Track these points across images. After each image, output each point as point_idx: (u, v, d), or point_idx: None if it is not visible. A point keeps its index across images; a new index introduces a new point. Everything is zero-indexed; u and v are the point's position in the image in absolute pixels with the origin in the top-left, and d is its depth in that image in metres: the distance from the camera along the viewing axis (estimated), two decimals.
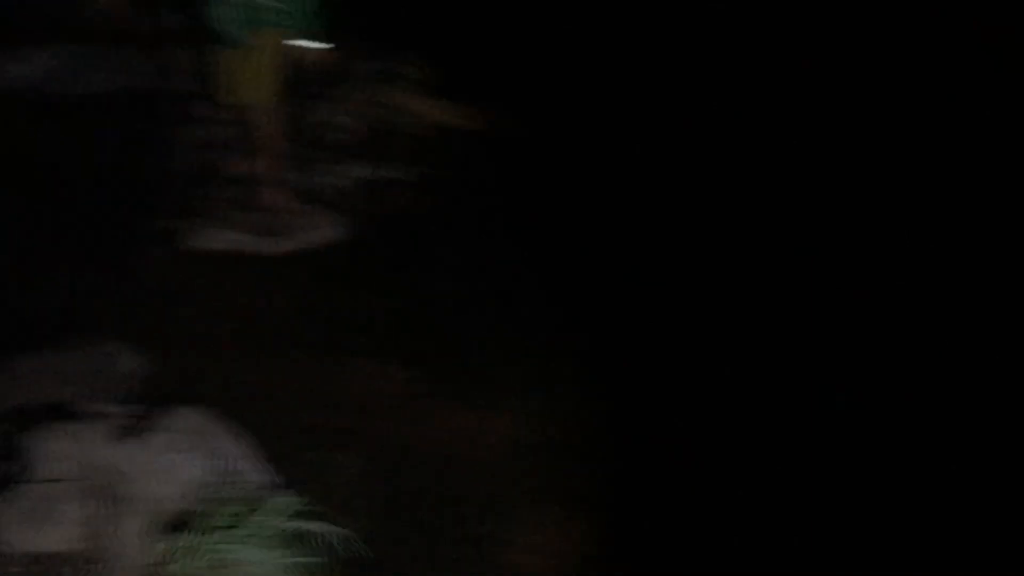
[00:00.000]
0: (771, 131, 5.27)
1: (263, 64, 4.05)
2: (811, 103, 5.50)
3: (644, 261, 4.28)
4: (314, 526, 2.48)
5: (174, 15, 5.52)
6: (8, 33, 5.71)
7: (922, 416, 3.33)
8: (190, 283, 3.90)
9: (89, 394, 2.90)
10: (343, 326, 3.69)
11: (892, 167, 4.94)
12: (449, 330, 3.76)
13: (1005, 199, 4.54)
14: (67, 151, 4.91)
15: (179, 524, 2.37)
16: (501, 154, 5.18)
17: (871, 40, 5.98)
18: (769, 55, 5.97)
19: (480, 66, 5.84)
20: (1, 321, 3.39)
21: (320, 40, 4.14)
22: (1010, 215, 4.41)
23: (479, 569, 2.73)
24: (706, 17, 6.39)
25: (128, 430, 2.61)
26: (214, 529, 2.33)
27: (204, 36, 4.08)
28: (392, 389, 3.40)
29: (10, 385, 2.93)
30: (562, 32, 6.36)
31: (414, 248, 4.29)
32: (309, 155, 4.78)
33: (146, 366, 3.19)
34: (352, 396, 3.33)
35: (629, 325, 3.89)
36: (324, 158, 4.82)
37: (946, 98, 5.36)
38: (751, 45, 6.13)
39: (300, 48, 4.12)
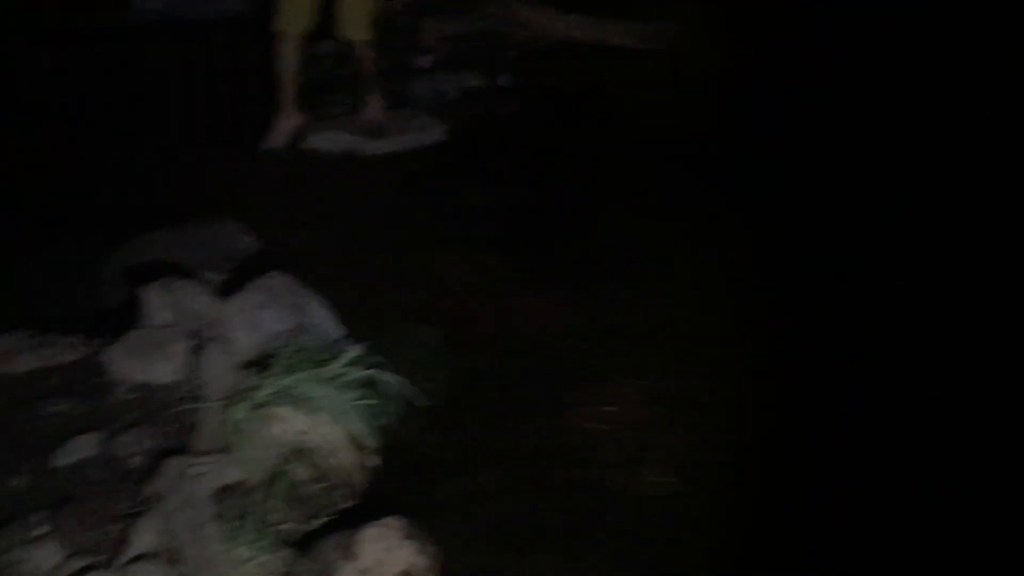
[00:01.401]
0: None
1: None
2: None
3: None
4: (384, 377, 2.76)
5: None
6: None
7: None
8: (304, 178, 4.29)
9: (201, 261, 3.30)
10: (434, 217, 3.97)
11: None
12: (533, 226, 3.95)
13: None
14: (199, 68, 5.38)
15: (263, 365, 2.70)
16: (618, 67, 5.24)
17: None
18: None
19: None
20: (140, 201, 3.88)
21: None
22: None
23: (539, 426, 2.96)
24: None
25: (228, 288, 2.99)
26: (292, 371, 2.64)
27: None
28: (475, 275, 3.64)
29: (139, 248, 3.37)
30: None
31: (510, 152, 4.49)
32: (420, 63, 5.05)
33: (254, 244, 3.56)
34: (436, 278, 3.60)
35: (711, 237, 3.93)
36: (435, 66, 5.06)
37: None
38: None
39: None
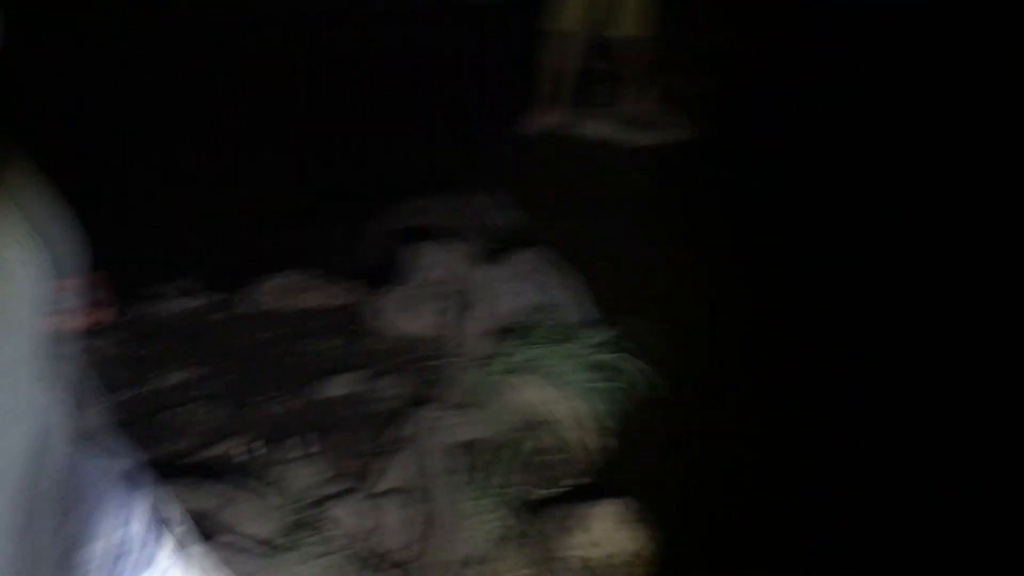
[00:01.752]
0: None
1: None
2: None
3: None
4: (623, 362, 2.80)
5: None
6: None
7: None
8: (566, 163, 4.41)
9: (466, 228, 3.46)
10: (691, 213, 3.95)
11: None
12: (793, 229, 3.84)
13: None
14: (484, 48, 5.62)
15: (516, 333, 2.81)
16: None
17: None
18: None
19: None
20: (422, 173, 4.13)
21: None
22: None
23: (775, 435, 2.87)
24: None
25: (482, 257, 3.13)
26: (543, 343, 2.73)
27: None
28: (730, 274, 3.61)
29: (411, 212, 3.59)
30: None
31: (772, 154, 4.38)
32: (678, 63, 5.04)
33: (515, 219, 3.70)
34: (690, 273, 3.60)
35: None
36: (693, 66, 5.04)
37: None
38: None
39: None
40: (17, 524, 0.43)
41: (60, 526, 0.48)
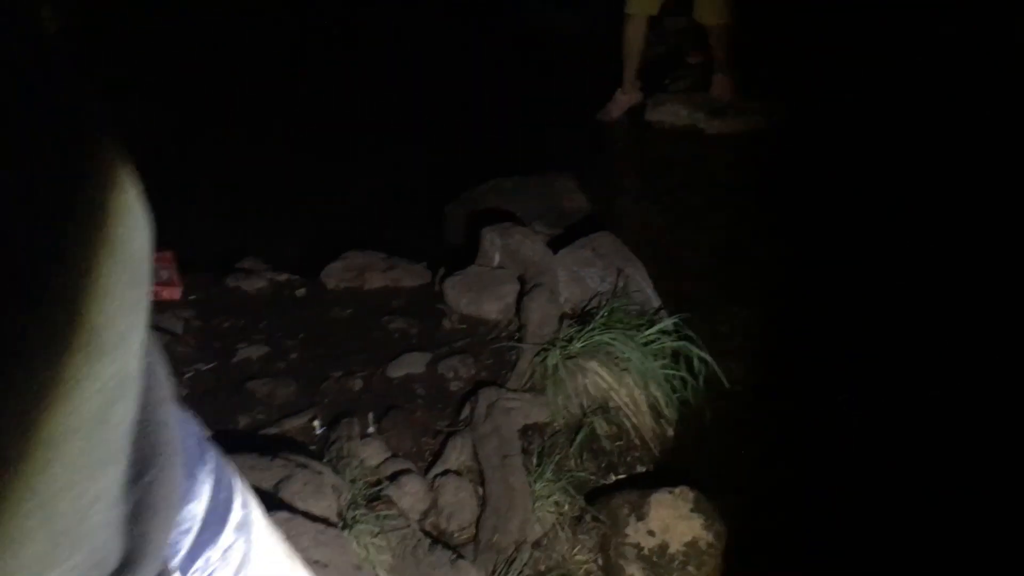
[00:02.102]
0: None
1: None
2: None
3: None
4: (693, 351, 2.77)
5: None
6: None
7: None
8: (641, 149, 4.38)
9: (536, 212, 3.47)
10: (763, 203, 3.87)
11: None
12: (865, 222, 3.73)
13: None
14: (567, 36, 5.60)
15: (581, 318, 2.81)
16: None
17: None
18: None
19: None
20: (499, 157, 4.15)
21: None
22: None
23: (847, 428, 2.81)
24: None
25: (559, 241, 3.13)
26: (608, 329, 2.72)
27: None
28: (797, 266, 3.53)
29: (482, 194, 3.62)
30: None
31: (851, 144, 4.26)
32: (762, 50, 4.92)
33: (586, 203, 3.69)
34: (758, 264, 3.54)
35: None
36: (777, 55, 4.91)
37: None
38: None
39: None
40: (125, 492, 0.45)
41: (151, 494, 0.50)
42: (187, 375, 2.67)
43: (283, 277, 3.19)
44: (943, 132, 4.20)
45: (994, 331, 3.13)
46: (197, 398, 2.56)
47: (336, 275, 3.15)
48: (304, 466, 1.98)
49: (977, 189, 3.85)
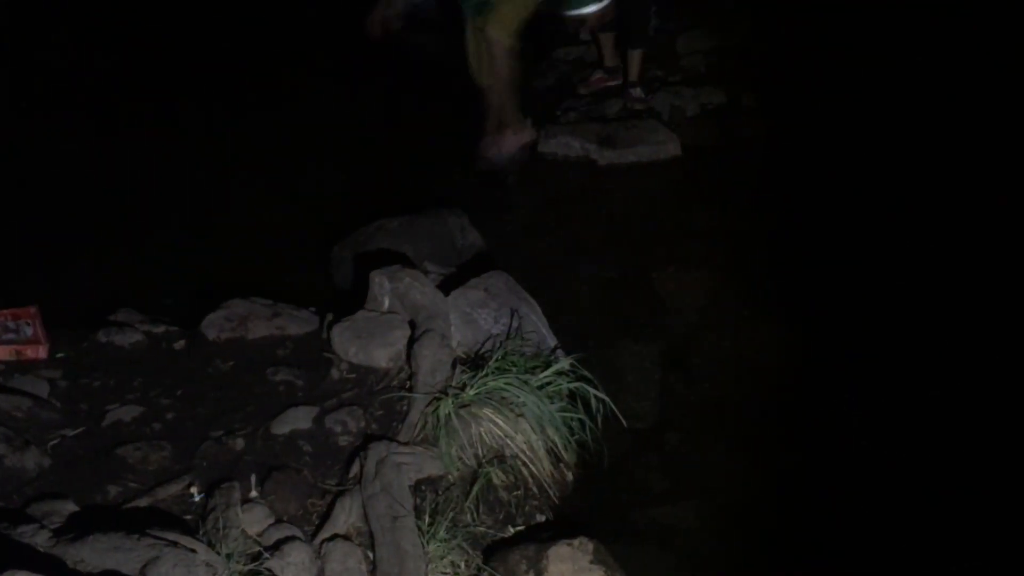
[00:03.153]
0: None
1: None
2: None
3: None
4: (586, 392, 2.70)
5: None
6: None
7: None
8: (536, 181, 4.32)
9: (426, 252, 3.38)
10: (660, 234, 3.86)
11: None
12: (762, 250, 3.76)
13: None
14: (458, 62, 5.55)
15: (475, 362, 2.72)
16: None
17: None
18: None
19: None
20: (386, 194, 4.04)
21: None
22: None
23: (745, 463, 2.80)
24: None
25: (450, 282, 3.04)
26: (502, 373, 2.63)
27: None
28: (697, 297, 3.53)
29: (376, 237, 3.50)
30: None
31: (744, 173, 4.31)
32: (662, 79, 4.96)
33: (478, 240, 3.62)
34: (657, 296, 3.51)
35: None
36: (676, 82, 4.96)
37: None
38: None
39: None
40: None
41: None
42: (52, 442, 2.47)
43: (160, 329, 3.02)
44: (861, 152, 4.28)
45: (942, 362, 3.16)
46: (61, 468, 2.37)
47: (217, 325, 3.00)
48: (174, 544, 1.83)
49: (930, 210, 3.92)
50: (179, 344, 2.95)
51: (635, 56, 4.78)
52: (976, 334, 3.16)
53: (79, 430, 2.51)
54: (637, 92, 4.79)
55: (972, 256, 3.60)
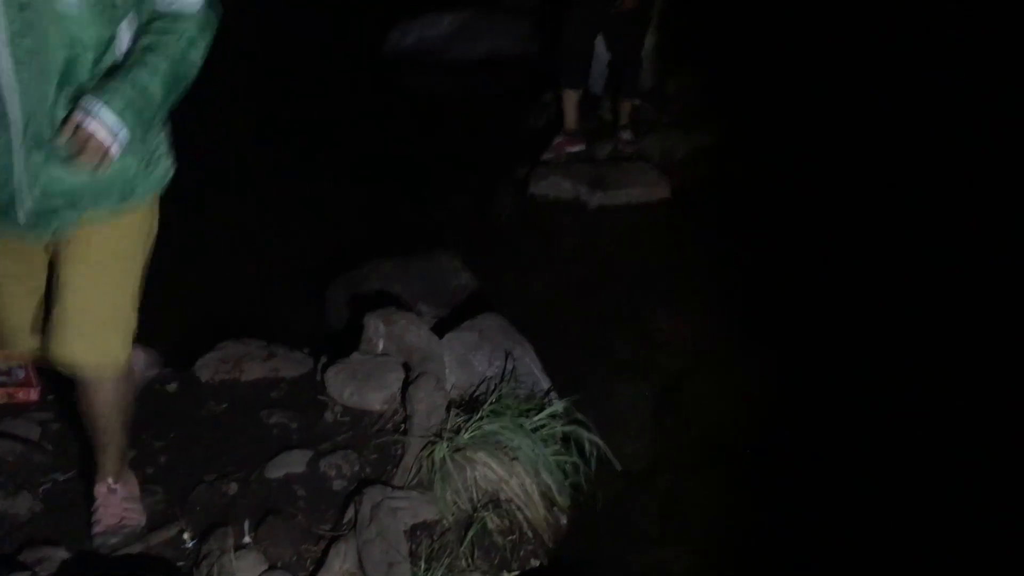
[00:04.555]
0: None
1: None
2: None
3: None
4: (580, 435, 2.71)
5: None
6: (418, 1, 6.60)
7: None
8: (528, 221, 4.36)
9: (420, 293, 3.39)
10: (652, 274, 3.90)
11: None
12: (754, 288, 3.79)
13: None
14: (450, 104, 5.64)
15: (470, 405, 2.73)
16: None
17: None
18: None
19: None
20: (380, 233, 4.07)
21: None
22: None
23: (741, 507, 2.81)
24: None
25: (444, 324, 3.05)
26: (496, 416, 2.64)
27: None
28: (691, 336, 3.55)
29: (365, 275, 3.52)
30: None
31: (734, 213, 4.35)
32: (651, 121, 5.03)
33: (472, 281, 3.63)
34: (650, 335, 3.54)
35: None
36: (666, 124, 5.03)
37: None
38: None
39: None
40: None
41: None
42: (44, 486, 2.46)
43: (153, 371, 3.01)
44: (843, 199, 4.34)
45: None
46: (53, 513, 2.36)
47: (211, 367, 2.99)
48: None
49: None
50: (172, 386, 2.94)
51: (626, 104, 4.83)
52: (966, 376, 3.20)
53: (71, 474, 2.50)
54: (627, 135, 4.83)
55: (964, 293, 3.67)
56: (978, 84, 5.03)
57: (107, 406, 2.11)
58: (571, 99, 4.72)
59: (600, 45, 4.80)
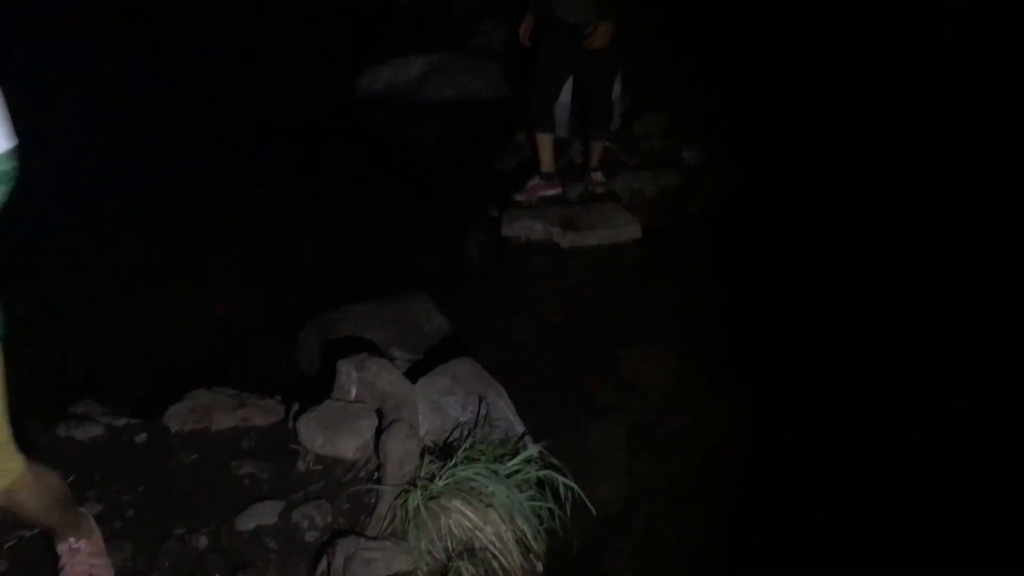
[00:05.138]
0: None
1: None
2: None
3: None
4: (555, 479, 2.70)
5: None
6: (389, 44, 6.66)
7: None
8: (500, 264, 4.36)
9: (393, 338, 3.38)
10: (625, 315, 3.91)
11: None
12: (728, 329, 3.81)
13: None
14: (421, 147, 5.66)
15: (444, 451, 2.71)
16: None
17: None
18: None
19: None
20: (353, 277, 4.05)
21: None
22: None
23: (715, 550, 2.80)
24: None
25: (417, 369, 3.04)
26: (470, 462, 2.62)
27: None
28: (665, 377, 3.55)
29: (342, 323, 3.49)
30: None
31: (704, 252, 4.39)
32: (622, 161, 5.07)
33: (445, 325, 3.63)
34: (625, 378, 3.54)
35: None
36: (635, 165, 5.07)
37: None
38: None
39: None
40: None
41: None
42: (8, 544, 2.41)
43: (121, 422, 2.97)
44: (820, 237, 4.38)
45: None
46: (19, 571, 2.30)
47: (181, 417, 2.96)
48: None
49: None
50: (141, 437, 2.89)
51: (597, 146, 4.83)
52: (934, 414, 3.22)
53: (36, 530, 2.44)
54: (598, 176, 4.85)
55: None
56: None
57: (26, 508, 2.06)
58: (544, 142, 4.71)
59: (563, 89, 4.83)
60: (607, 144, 4.93)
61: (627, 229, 4.52)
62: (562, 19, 4.37)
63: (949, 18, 5.38)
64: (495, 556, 2.49)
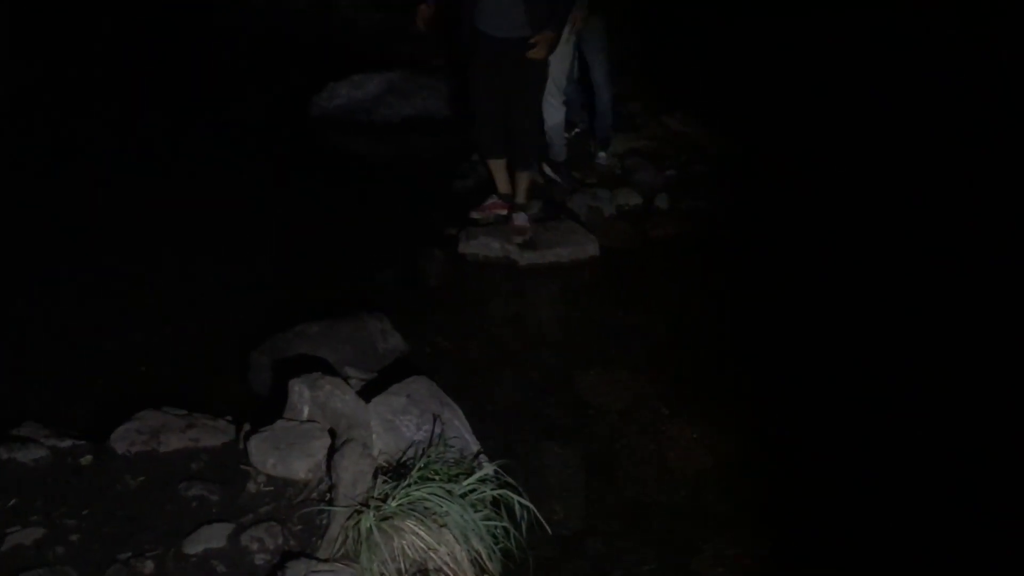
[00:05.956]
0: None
1: None
2: None
3: None
4: (510, 499, 2.67)
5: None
6: (347, 62, 6.62)
7: None
8: (457, 282, 4.33)
9: (347, 357, 3.34)
10: (581, 335, 3.91)
11: None
12: (684, 349, 3.83)
13: None
14: (378, 165, 5.63)
15: (398, 471, 2.67)
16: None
17: None
18: None
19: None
20: (307, 296, 4.00)
21: None
22: None
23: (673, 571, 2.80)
24: None
25: (371, 389, 3.00)
26: (424, 482, 2.59)
27: None
28: (620, 398, 3.55)
29: (295, 343, 3.43)
30: None
31: (662, 273, 4.41)
32: (581, 181, 5.09)
33: (400, 344, 3.59)
34: (580, 398, 3.52)
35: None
36: (593, 184, 5.08)
37: None
38: None
39: None
40: None
41: None
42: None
43: (66, 444, 2.89)
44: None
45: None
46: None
47: (127, 438, 2.88)
48: None
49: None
50: (86, 459, 2.82)
51: (522, 178, 4.59)
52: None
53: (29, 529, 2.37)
54: (520, 219, 4.59)
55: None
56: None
57: None
58: (496, 166, 4.61)
59: (555, 106, 4.78)
60: (534, 175, 4.75)
61: (585, 248, 4.52)
62: (486, 33, 4.12)
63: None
64: None
